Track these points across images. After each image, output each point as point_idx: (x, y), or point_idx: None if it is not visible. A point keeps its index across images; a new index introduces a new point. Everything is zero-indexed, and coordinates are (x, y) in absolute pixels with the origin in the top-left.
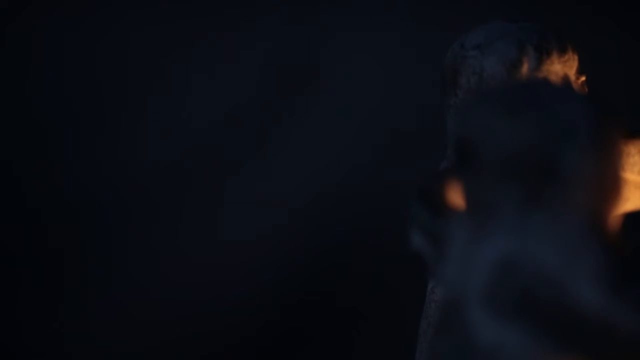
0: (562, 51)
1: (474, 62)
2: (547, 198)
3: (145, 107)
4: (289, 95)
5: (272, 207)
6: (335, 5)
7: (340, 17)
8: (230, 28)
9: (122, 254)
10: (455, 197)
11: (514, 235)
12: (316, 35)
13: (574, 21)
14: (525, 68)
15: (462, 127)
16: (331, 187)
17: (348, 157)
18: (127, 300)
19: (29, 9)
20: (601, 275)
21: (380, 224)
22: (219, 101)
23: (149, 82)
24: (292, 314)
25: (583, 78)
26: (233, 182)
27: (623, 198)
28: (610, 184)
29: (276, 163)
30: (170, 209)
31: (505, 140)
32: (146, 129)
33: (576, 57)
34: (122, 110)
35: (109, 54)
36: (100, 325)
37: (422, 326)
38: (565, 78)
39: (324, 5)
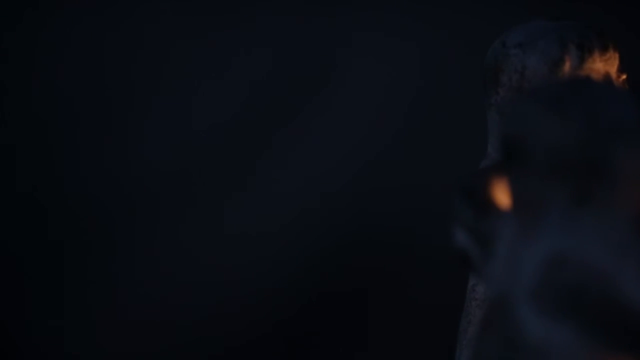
0: (604, 49)
1: (516, 61)
2: (595, 195)
3: (152, 106)
4: (299, 94)
5: (284, 205)
6: (348, 5)
7: (352, 16)
8: (241, 27)
9: (127, 254)
10: (500, 195)
11: (562, 233)
12: (328, 34)
13: (615, 20)
14: (567, 66)
15: (509, 125)
16: (344, 185)
17: (360, 155)
18: (133, 301)
19: (35, 7)
20: None
21: (395, 222)
22: (227, 100)
23: (156, 82)
24: (305, 312)
25: (624, 76)
26: (242, 182)
27: None
28: None
29: (288, 161)
30: (176, 209)
31: (553, 138)
32: (153, 129)
33: (617, 56)
34: (128, 110)
35: (115, 53)
36: (105, 326)
37: (462, 324)
38: (607, 76)
39: (338, 4)
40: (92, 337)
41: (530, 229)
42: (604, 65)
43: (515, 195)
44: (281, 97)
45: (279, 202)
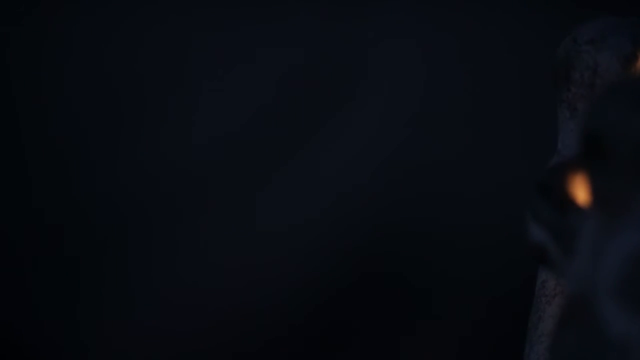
0: None
1: (588, 57)
2: None
3: (167, 108)
4: (326, 93)
5: (317, 197)
6: (380, 6)
7: (384, 17)
8: (264, 25)
9: (144, 258)
10: (579, 191)
11: None
12: (354, 34)
13: None
14: (639, 63)
15: (590, 121)
16: (376, 179)
17: (395, 149)
18: (157, 306)
19: (41, 9)
20: None
21: (428, 213)
22: (252, 98)
23: (171, 82)
24: (339, 305)
25: None
26: (269, 179)
27: None
28: None
29: (320, 155)
30: (196, 211)
31: (637, 134)
32: (172, 127)
33: None
34: (142, 110)
35: (129, 53)
36: (122, 333)
37: (532, 320)
38: None
39: (366, 4)
40: (109, 345)
41: (612, 225)
42: None
43: (596, 191)
44: (305, 99)
45: (309, 197)
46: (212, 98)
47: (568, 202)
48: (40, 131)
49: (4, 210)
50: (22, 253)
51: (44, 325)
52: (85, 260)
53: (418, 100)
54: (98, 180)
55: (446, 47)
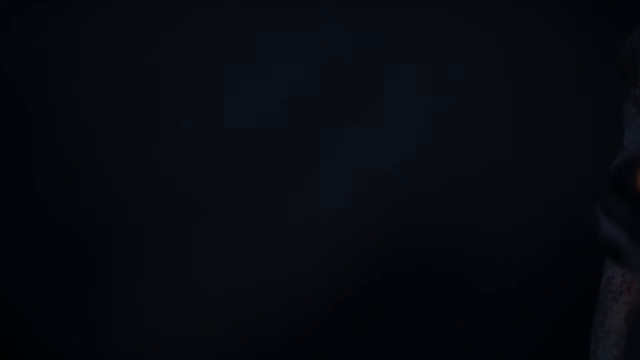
0: None
1: None
2: None
3: (185, 106)
4: (357, 90)
5: (342, 193)
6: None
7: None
8: (291, 23)
9: (159, 259)
10: None
11: None
12: (385, 32)
13: None
14: None
15: None
16: (417, 174)
17: (430, 143)
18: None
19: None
20: None
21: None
22: (270, 100)
23: (190, 80)
24: (373, 294)
25: None
26: (298, 176)
27: None
28: None
29: (353, 147)
30: (210, 211)
31: None
32: (188, 126)
33: None
34: (158, 109)
35: (143, 52)
36: (137, 338)
37: (597, 317)
38: None
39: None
40: (123, 347)
41: None
42: None
43: None
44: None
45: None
46: (232, 96)
47: None
48: (54, 136)
49: (18, 213)
50: (36, 254)
51: (58, 325)
52: (99, 261)
53: (452, 95)
54: (113, 181)
55: (483, 43)
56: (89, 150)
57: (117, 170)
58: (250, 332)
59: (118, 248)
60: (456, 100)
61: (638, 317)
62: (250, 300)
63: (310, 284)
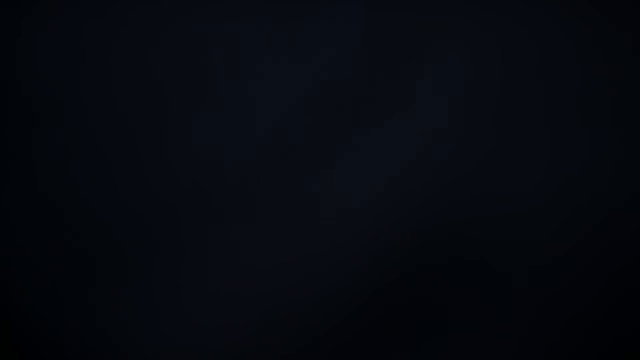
0: None
1: None
2: None
3: (200, 105)
4: (387, 89)
5: (369, 191)
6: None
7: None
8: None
9: (174, 263)
10: None
11: None
12: (416, 29)
13: None
14: None
15: None
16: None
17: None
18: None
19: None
20: None
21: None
22: (291, 96)
23: (205, 79)
24: (407, 285)
25: None
26: (325, 170)
27: None
28: None
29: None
30: (226, 212)
31: None
32: (203, 126)
33: None
34: (172, 109)
35: (159, 52)
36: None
37: None
38: None
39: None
40: (142, 353)
41: None
42: None
43: None
44: (360, 86)
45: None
46: (250, 95)
47: None
48: (69, 139)
49: (29, 216)
50: (49, 258)
51: (72, 325)
52: (112, 264)
53: (486, 96)
54: (126, 182)
55: (520, 42)
56: (98, 152)
57: (129, 171)
58: (279, 333)
59: (133, 251)
60: (475, 97)
61: None
62: (276, 302)
63: (335, 282)
